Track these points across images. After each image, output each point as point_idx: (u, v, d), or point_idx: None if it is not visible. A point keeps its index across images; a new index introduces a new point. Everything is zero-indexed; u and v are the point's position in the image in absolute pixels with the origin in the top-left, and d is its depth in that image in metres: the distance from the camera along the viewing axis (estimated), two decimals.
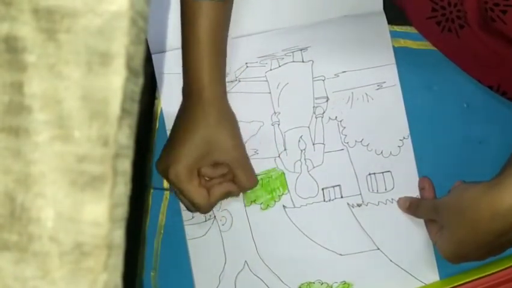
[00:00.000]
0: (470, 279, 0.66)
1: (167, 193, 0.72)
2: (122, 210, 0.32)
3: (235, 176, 0.66)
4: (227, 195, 0.68)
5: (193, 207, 0.66)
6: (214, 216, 0.70)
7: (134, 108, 0.32)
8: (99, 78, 0.31)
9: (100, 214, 0.31)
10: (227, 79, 0.68)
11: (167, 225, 0.71)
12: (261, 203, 0.70)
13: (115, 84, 0.31)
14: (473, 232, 0.58)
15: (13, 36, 0.32)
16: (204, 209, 0.66)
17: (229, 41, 0.68)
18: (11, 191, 0.32)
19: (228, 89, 0.68)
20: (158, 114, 0.71)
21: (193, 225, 0.70)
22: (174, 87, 0.69)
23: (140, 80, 0.33)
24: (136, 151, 0.33)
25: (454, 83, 0.68)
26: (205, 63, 0.64)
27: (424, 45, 0.69)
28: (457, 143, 0.68)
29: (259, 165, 0.69)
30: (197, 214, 0.70)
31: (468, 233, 0.58)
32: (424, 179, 0.69)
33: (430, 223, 0.67)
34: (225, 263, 0.70)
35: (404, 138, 0.68)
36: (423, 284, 0.69)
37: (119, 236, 0.32)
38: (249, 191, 0.69)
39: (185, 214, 0.70)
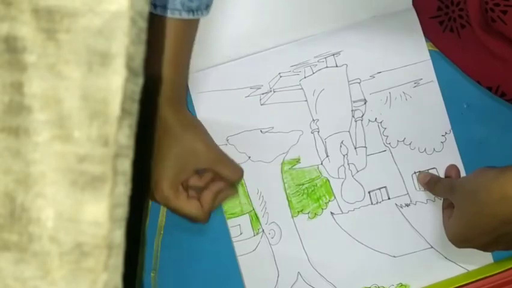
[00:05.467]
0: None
1: None
2: (122, 210, 0.32)
3: (220, 175, 0.66)
4: (221, 197, 0.67)
5: (191, 220, 0.66)
6: (263, 230, 0.69)
7: (134, 108, 0.32)
8: (99, 78, 0.31)
9: (100, 214, 0.31)
10: (261, 91, 0.68)
11: (167, 225, 0.71)
12: (308, 212, 0.69)
13: (115, 84, 0.31)
14: (481, 214, 0.57)
15: (13, 36, 0.32)
16: (201, 218, 0.65)
17: (260, 53, 0.68)
18: (11, 191, 0.32)
19: (263, 100, 0.68)
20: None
21: (241, 241, 0.69)
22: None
23: (140, 80, 0.33)
24: (136, 151, 0.33)
25: (454, 83, 0.68)
26: (164, 79, 0.63)
27: None
28: (457, 144, 0.68)
29: (302, 175, 0.69)
30: (245, 230, 0.69)
31: (475, 215, 0.58)
32: (451, 167, 0.68)
33: (446, 208, 0.67)
34: (278, 277, 0.69)
35: (446, 133, 0.68)
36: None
37: (119, 236, 0.32)
38: (296, 203, 0.68)
39: (233, 231, 0.69)
